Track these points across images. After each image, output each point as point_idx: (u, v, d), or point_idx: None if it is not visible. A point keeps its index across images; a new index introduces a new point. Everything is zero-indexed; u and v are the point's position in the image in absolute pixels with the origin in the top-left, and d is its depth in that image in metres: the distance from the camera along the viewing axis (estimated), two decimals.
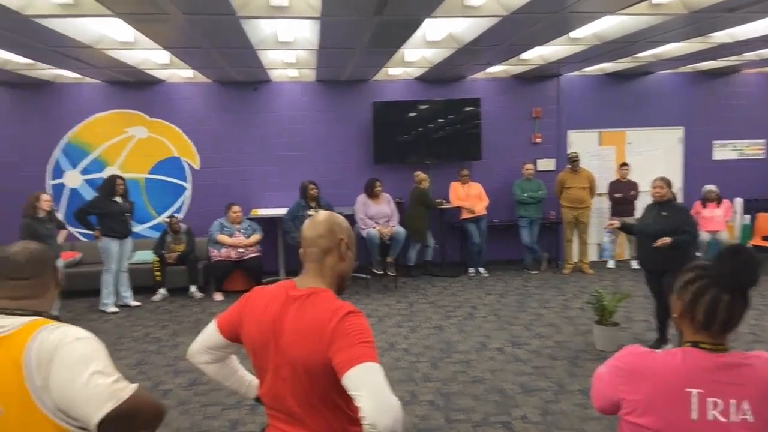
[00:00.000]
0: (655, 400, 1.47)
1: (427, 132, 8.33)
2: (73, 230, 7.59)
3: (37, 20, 4.28)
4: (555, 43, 6.06)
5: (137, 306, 6.82)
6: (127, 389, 1.42)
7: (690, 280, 1.48)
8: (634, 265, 8.22)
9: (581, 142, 8.65)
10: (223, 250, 7.16)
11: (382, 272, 7.45)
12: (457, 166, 8.28)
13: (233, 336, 1.82)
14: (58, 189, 7.87)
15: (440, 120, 8.33)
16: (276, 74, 7.74)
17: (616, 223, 5.22)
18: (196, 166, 8.13)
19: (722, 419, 1.41)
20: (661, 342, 4.99)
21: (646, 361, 1.53)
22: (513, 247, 8.53)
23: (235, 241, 7.21)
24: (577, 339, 5.42)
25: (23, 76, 7.08)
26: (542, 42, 5.93)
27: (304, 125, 8.29)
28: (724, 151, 8.84)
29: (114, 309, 6.64)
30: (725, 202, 7.89)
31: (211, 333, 1.85)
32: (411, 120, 8.30)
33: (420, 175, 7.85)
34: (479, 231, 8.02)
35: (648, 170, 8.55)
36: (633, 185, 8.02)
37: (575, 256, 8.24)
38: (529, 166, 8.12)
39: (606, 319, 5.03)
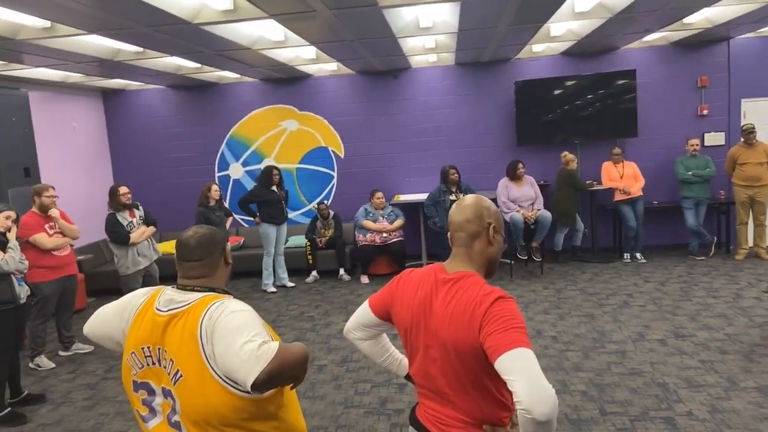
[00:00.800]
0: None
1: (574, 109, 7.87)
2: (237, 217, 8.36)
3: (204, 27, 4.74)
4: (724, 3, 5.37)
5: (293, 287, 7.35)
6: (269, 351, 1.51)
7: None
8: None
9: (758, 112, 7.61)
10: (368, 235, 7.43)
11: (526, 257, 7.25)
12: (609, 144, 7.73)
13: (384, 315, 1.88)
14: (224, 180, 8.70)
15: (589, 96, 7.82)
16: (416, 60, 7.80)
17: None
18: (342, 154, 8.51)
19: None
20: None
21: None
22: (675, 230, 7.82)
23: (379, 226, 7.44)
24: (753, 332, 4.83)
25: (192, 79, 7.91)
26: (709, 2, 5.28)
27: (443, 109, 8.28)
28: None
29: (273, 289, 7.21)
30: None
31: (364, 311, 1.94)
32: (556, 98, 7.90)
33: (567, 155, 7.47)
34: (635, 214, 7.44)
35: None
36: None
37: (750, 240, 7.31)
38: (694, 141, 7.34)
39: None
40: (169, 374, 1.65)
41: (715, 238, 7.58)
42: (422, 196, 7.56)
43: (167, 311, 1.68)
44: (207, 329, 1.58)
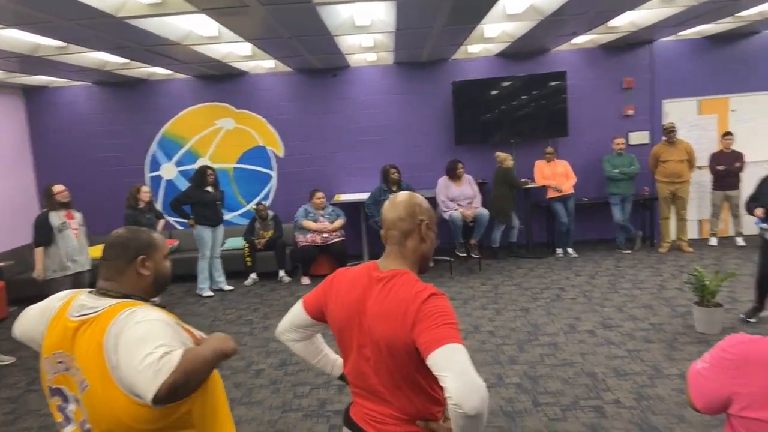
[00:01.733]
0: None
1: (510, 110, 8.08)
2: (170, 219, 8.08)
3: (129, 21, 4.54)
4: (647, 7, 5.64)
5: (230, 290, 7.17)
6: (169, 363, 1.42)
7: None
8: (740, 242, 7.61)
9: (678, 111, 8.06)
10: (309, 236, 7.35)
11: (465, 255, 7.37)
12: (543, 143, 7.98)
13: (318, 315, 1.86)
14: (156, 181, 8.39)
15: (523, 96, 8.05)
16: (354, 59, 7.79)
17: (759, 211, 4.68)
18: (281, 154, 8.38)
19: None
20: (756, 311, 4.89)
21: (759, 349, 1.39)
22: (604, 226, 8.15)
23: (320, 226, 7.38)
24: (675, 321, 5.10)
25: (120, 75, 7.58)
26: (633, 6, 5.54)
27: (383, 109, 8.30)
28: None
29: (209, 293, 7.02)
30: None
31: (297, 312, 1.90)
32: (493, 98, 8.08)
33: (500, 155, 7.65)
34: (567, 210, 7.71)
35: (754, 140, 7.87)
36: (738, 156, 7.37)
37: (673, 234, 7.73)
38: (620, 140, 7.68)
39: (707, 299, 4.69)
40: (76, 382, 1.58)
41: (641, 232, 7.96)
42: (363, 196, 7.55)
43: (78, 317, 1.60)
44: (113, 339, 1.51)
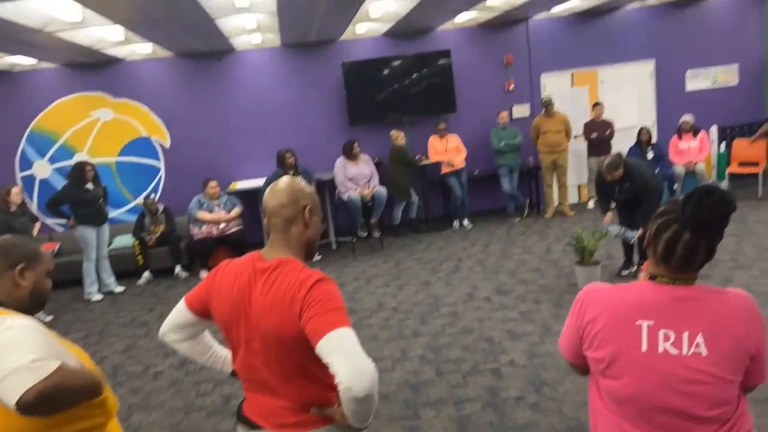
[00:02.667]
0: (609, 333, 1.47)
1: (401, 88, 8.19)
2: (48, 221, 7.46)
3: None
4: None
5: (122, 291, 6.78)
6: (42, 369, 1.37)
7: (659, 214, 1.46)
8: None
9: (554, 85, 8.57)
10: (205, 227, 7.09)
11: (367, 234, 7.45)
12: (434, 120, 8.19)
13: (203, 312, 1.80)
14: (29, 181, 7.69)
15: (413, 75, 8.18)
16: (239, 42, 7.52)
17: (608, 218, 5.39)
18: (167, 144, 7.97)
19: (674, 351, 1.40)
20: (627, 264, 5.45)
21: (602, 295, 1.54)
22: (495, 196, 8.55)
23: (215, 216, 7.13)
24: (561, 281, 5.50)
25: None
26: None
27: (274, 92, 8.11)
28: (697, 80, 8.81)
29: (99, 297, 6.60)
30: (702, 133, 7.89)
31: (180, 311, 1.84)
32: (383, 78, 8.15)
33: (394, 132, 7.77)
34: (460, 183, 8.00)
35: (621, 108, 8.56)
36: (608, 124, 7.99)
37: (556, 200, 8.28)
38: (504, 113, 8.06)
39: (587, 258, 5.09)
40: None
41: (528, 199, 8.45)
42: (260, 182, 7.38)
43: None
44: None
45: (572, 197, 8.65)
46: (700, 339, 1.39)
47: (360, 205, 7.28)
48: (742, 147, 8.11)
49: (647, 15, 8.55)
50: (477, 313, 4.93)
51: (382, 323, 4.95)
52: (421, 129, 8.34)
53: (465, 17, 7.60)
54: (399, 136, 7.74)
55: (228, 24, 6.24)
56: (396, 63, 8.15)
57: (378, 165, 7.90)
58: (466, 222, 8.17)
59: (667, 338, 1.41)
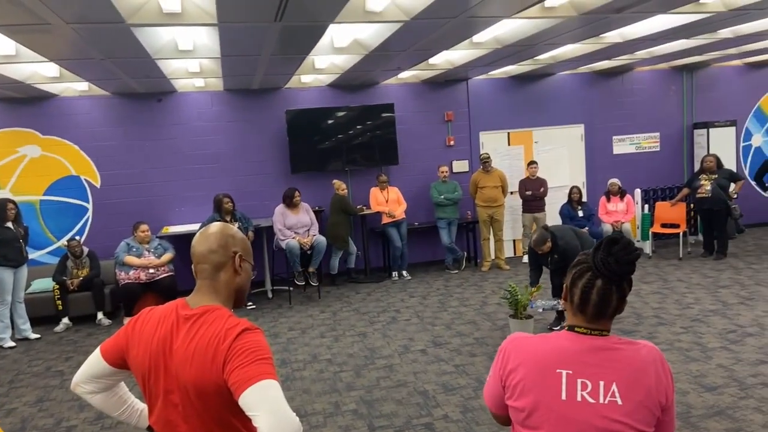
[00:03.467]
0: (530, 382, 1.49)
1: (345, 139, 8.28)
2: None
3: None
4: (459, 48, 6.19)
5: (37, 338, 6.32)
6: None
7: (574, 264, 1.52)
8: None
9: (492, 142, 8.91)
10: (132, 272, 6.76)
11: (304, 283, 7.32)
12: (376, 171, 8.29)
13: (119, 363, 1.69)
14: None
15: (358, 126, 8.32)
16: (181, 84, 7.45)
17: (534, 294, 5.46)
18: (97, 184, 7.66)
19: (591, 400, 1.43)
20: (559, 320, 5.54)
21: (524, 344, 1.56)
22: (434, 248, 8.65)
23: (144, 261, 6.83)
24: (495, 334, 5.55)
25: None
26: (447, 46, 6.04)
27: (215, 136, 8.02)
28: (622, 145, 9.39)
29: (11, 344, 6.11)
30: (627, 197, 8.37)
31: (94, 361, 1.72)
32: (327, 127, 8.23)
33: (337, 182, 7.81)
34: (400, 235, 8.06)
35: (555, 167, 8.98)
36: (542, 182, 8.34)
37: (493, 253, 8.46)
38: (444, 168, 8.27)
39: (520, 312, 5.18)
40: None
41: (465, 253, 8.60)
42: (195, 227, 7.17)
43: None
44: None
45: (508, 251, 8.87)
46: (615, 388, 1.43)
47: (298, 253, 7.18)
48: (664, 209, 8.63)
49: (577, 82, 9.13)
50: (412, 366, 4.88)
51: (315, 375, 4.80)
52: (362, 179, 8.42)
53: (408, 74, 7.86)
54: (341, 186, 7.78)
55: (170, 65, 6.19)
56: (340, 113, 8.27)
57: (318, 213, 7.87)
58: (405, 273, 8.19)
59: (584, 387, 1.45)
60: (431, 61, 7.00)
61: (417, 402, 4.17)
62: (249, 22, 4.32)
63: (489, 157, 8.15)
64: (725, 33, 6.46)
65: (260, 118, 8.13)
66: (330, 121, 8.25)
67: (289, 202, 7.36)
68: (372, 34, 5.45)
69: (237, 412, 1.47)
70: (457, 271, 8.33)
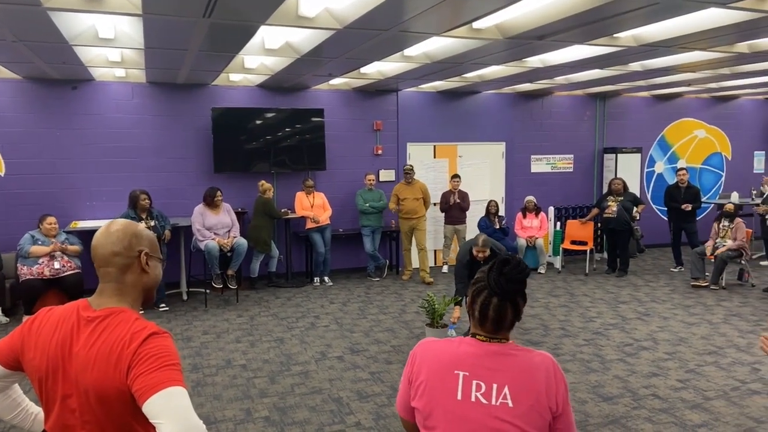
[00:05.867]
0: (431, 383, 1.59)
1: (272, 141, 8.17)
2: None
3: None
4: (391, 60, 6.29)
5: None
6: None
7: (474, 281, 1.63)
8: None
9: (418, 154, 9.10)
10: (35, 268, 6.34)
11: (222, 286, 7.15)
12: (302, 175, 8.24)
13: (14, 364, 1.60)
14: None
15: (287, 129, 8.23)
16: (100, 73, 7.10)
17: (456, 316, 5.47)
18: (2, 172, 7.14)
19: (484, 401, 1.53)
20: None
21: (430, 348, 1.66)
22: (357, 255, 8.69)
23: (52, 247, 6.39)
24: (412, 342, 5.65)
25: None
26: (378, 57, 6.13)
27: (134, 130, 7.68)
28: (540, 164, 9.87)
29: None
30: (542, 214, 8.81)
31: None
32: (255, 128, 8.09)
33: (264, 184, 7.69)
34: (324, 240, 8.04)
35: (476, 181, 9.30)
36: (464, 195, 8.59)
37: (415, 263, 8.62)
38: (371, 176, 8.35)
39: (437, 321, 5.32)
40: None
41: (388, 261, 8.71)
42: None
43: None
44: None
45: (430, 261, 9.06)
46: (507, 391, 1.53)
47: (217, 255, 7.00)
48: (575, 227, 9.13)
49: (501, 102, 9.51)
50: (328, 373, 4.88)
51: (228, 381, 4.70)
52: (288, 183, 8.35)
53: (340, 81, 7.90)
54: (269, 189, 7.67)
55: (89, 53, 5.89)
56: (269, 115, 8.16)
57: (240, 215, 7.72)
58: (327, 279, 8.18)
59: (479, 388, 1.54)
60: (363, 70, 7.08)
61: (331, 409, 4.18)
62: (176, 16, 4.20)
63: (412, 169, 8.29)
64: (635, 66, 6.96)
65: (184, 114, 7.88)
66: (258, 122, 8.12)
67: (210, 202, 7.17)
68: (304, 39, 5.44)
69: (141, 419, 1.43)
70: (378, 279, 8.42)
